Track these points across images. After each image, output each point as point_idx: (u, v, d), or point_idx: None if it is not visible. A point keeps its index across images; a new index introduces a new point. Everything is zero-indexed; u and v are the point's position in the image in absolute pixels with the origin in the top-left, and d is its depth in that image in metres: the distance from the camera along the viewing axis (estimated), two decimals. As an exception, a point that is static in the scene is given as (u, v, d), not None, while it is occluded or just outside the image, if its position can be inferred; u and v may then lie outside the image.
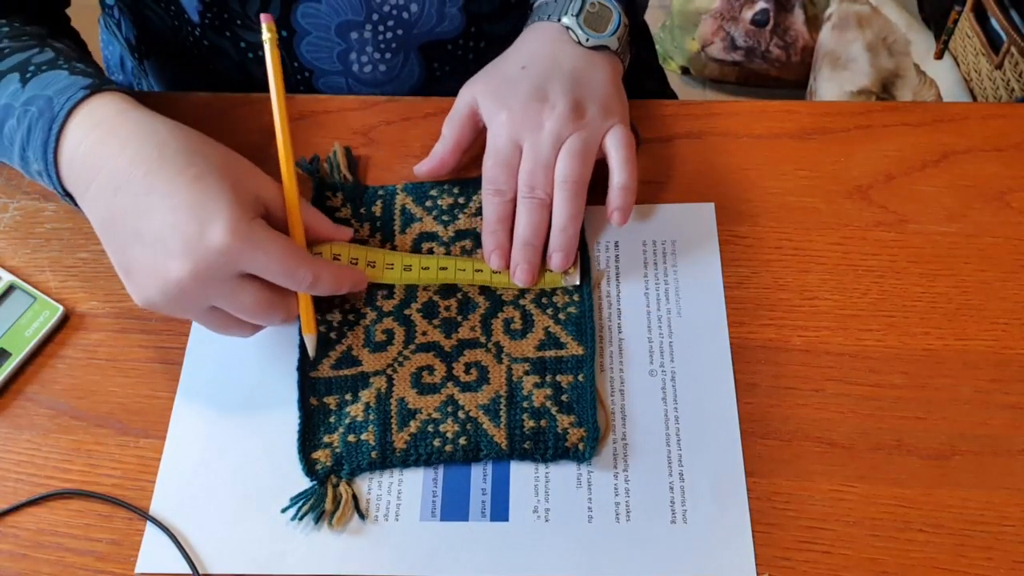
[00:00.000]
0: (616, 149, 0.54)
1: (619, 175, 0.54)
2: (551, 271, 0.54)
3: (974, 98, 1.46)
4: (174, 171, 0.46)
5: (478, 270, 0.54)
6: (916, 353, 0.51)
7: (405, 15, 0.64)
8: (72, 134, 0.48)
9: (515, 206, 0.53)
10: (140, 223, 0.46)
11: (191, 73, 0.71)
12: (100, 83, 0.50)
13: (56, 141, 0.49)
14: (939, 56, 1.54)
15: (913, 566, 0.45)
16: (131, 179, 0.46)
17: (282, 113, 0.50)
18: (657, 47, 1.66)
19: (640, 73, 0.70)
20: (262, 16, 0.51)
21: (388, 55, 0.66)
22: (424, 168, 0.57)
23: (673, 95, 0.84)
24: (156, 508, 0.48)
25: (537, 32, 0.58)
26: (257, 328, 0.50)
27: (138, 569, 0.46)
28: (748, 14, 1.54)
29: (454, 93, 0.60)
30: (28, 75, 0.51)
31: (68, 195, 0.51)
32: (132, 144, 0.47)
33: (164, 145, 0.47)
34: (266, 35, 0.50)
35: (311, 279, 0.47)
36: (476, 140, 0.58)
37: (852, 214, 0.57)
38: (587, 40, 0.56)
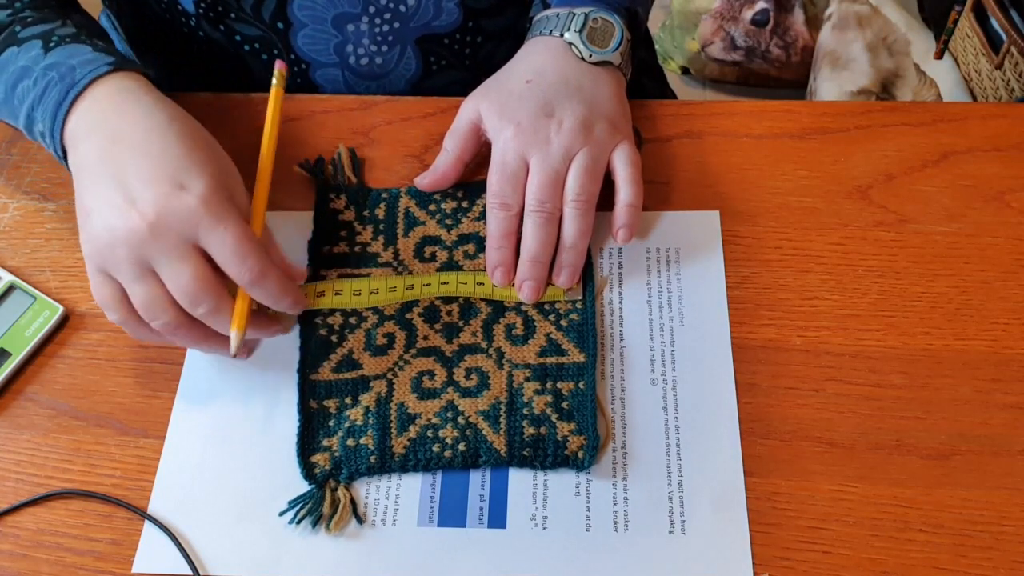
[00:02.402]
0: (623, 167, 0.54)
1: (625, 193, 0.54)
2: (554, 286, 0.54)
3: (974, 98, 1.46)
4: (173, 139, 0.49)
5: (479, 283, 0.54)
6: (916, 353, 0.51)
7: (402, 8, 0.64)
8: (87, 101, 0.51)
9: (521, 220, 0.53)
10: (123, 170, 0.48)
11: (189, 70, 0.71)
12: (124, 62, 0.52)
13: (70, 105, 0.51)
14: (939, 56, 1.54)
15: (913, 566, 0.45)
16: (131, 134, 0.49)
17: (268, 154, 0.53)
18: (657, 47, 1.66)
19: (640, 73, 0.70)
20: (277, 62, 0.55)
21: (385, 48, 0.66)
22: (426, 180, 0.57)
23: (673, 95, 0.84)
24: (154, 508, 0.48)
25: (539, 46, 0.58)
26: (180, 323, 0.47)
27: (135, 569, 0.46)
28: (748, 14, 1.54)
29: (451, 87, 0.60)
30: (52, 44, 0.54)
31: (63, 154, 0.52)
32: (143, 111, 0.50)
33: (173, 120, 0.50)
34: (275, 80, 0.54)
35: (257, 271, 0.47)
36: (478, 153, 0.58)
37: (852, 214, 0.57)
38: (590, 56, 0.56)
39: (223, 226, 0.47)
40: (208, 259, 0.47)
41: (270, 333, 0.52)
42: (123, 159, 0.48)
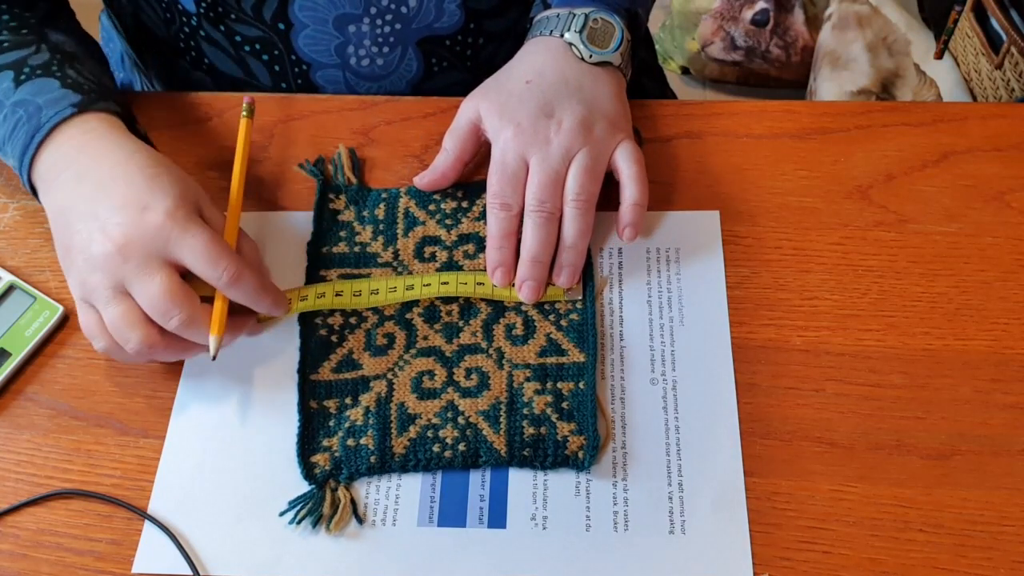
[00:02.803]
0: (627, 165, 0.54)
1: (630, 191, 0.54)
2: (554, 286, 0.54)
3: (974, 98, 1.46)
4: (136, 168, 0.50)
5: (480, 283, 0.54)
6: (916, 353, 0.51)
7: (403, 9, 0.64)
8: (52, 145, 0.52)
9: (521, 220, 0.53)
10: (93, 205, 0.49)
11: (189, 70, 0.71)
12: (88, 101, 0.53)
13: (36, 149, 0.52)
14: (939, 56, 1.54)
15: (913, 566, 0.45)
16: (96, 170, 0.50)
17: (238, 183, 0.54)
18: (657, 47, 1.66)
19: (640, 73, 0.70)
20: (245, 95, 0.57)
21: (386, 49, 0.66)
22: (425, 180, 0.58)
23: (673, 95, 0.84)
24: (154, 508, 0.48)
25: (539, 47, 0.58)
26: (153, 342, 0.47)
27: (135, 569, 0.46)
28: (748, 14, 1.54)
29: (452, 88, 0.60)
30: (23, 77, 0.54)
31: (34, 189, 0.53)
32: (106, 150, 0.51)
33: (135, 152, 0.51)
34: (244, 111, 0.56)
35: (232, 272, 0.47)
36: (477, 153, 0.58)
37: (852, 214, 0.57)
38: (590, 56, 0.56)
39: (190, 233, 0.47)
40: (179, 271, 0.48)
41: (245, 332, 0.52)
42: (91, 195, 0.49)
